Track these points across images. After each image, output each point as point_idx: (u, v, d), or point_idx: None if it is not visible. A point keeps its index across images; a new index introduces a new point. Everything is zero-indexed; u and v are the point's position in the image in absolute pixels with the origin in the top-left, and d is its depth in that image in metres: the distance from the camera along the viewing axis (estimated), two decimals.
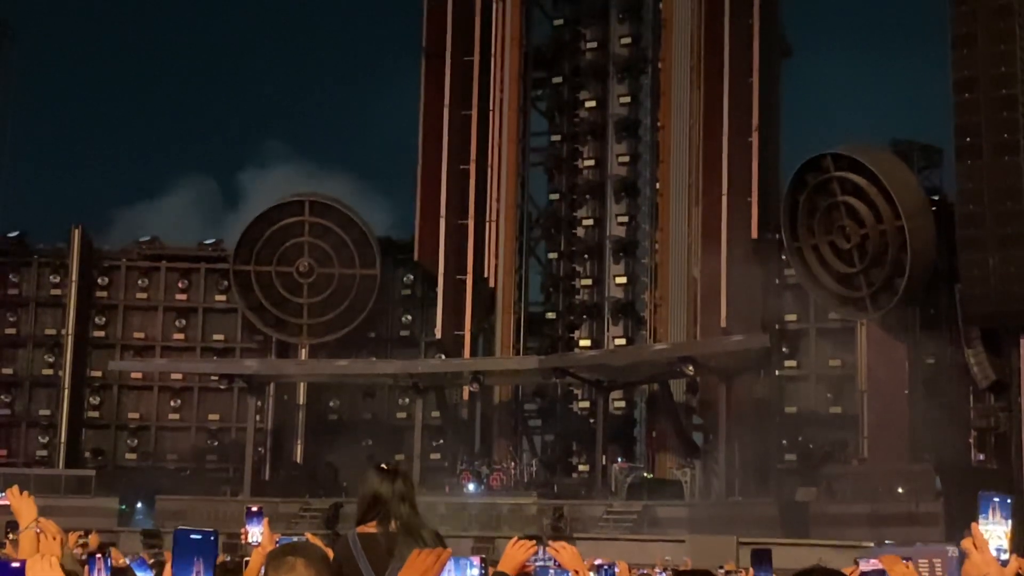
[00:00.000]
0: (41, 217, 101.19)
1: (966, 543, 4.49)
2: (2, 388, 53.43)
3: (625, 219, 50.69)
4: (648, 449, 48.23)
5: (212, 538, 5.75)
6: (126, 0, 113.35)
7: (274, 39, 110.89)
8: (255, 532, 6.28)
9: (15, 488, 6.02)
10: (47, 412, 52.99)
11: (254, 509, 6.35)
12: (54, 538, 5.78)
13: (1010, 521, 4.57)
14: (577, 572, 5.92)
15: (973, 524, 4.53)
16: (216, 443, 53.62)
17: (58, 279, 53.31)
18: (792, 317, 46.47)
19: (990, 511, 4.55)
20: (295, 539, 6.02)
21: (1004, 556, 4.50)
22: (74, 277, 52.92)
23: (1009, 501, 4.63)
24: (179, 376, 53.83)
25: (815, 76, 69.64)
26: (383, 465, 6.07)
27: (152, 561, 10.84)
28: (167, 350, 54.24)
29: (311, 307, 52.72)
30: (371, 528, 5.97)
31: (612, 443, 46.61)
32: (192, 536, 5.93)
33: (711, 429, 45.87)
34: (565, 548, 5.45)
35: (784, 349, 46.26)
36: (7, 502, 6.09)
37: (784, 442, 46.30)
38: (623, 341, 50.07)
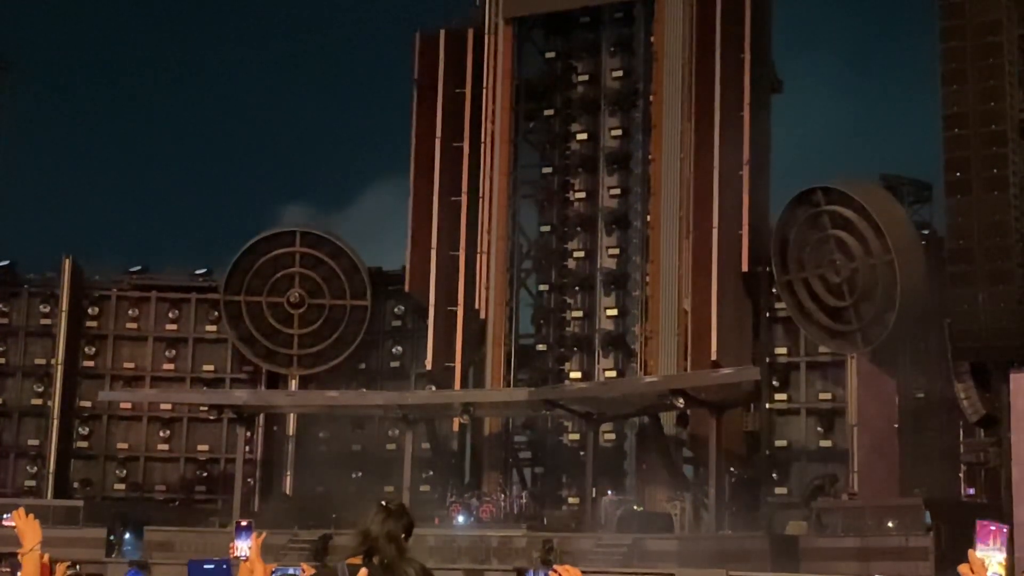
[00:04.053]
0: (31, 246, 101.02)
1: (963, 569, 4.51)
2: None
3: (616, 252, 50.74)
4: (638, 482, 48.14)
5: (225, 566, 5.81)
6: (117, 32, 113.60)
7: (266, 67, 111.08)
8: (243, 547, 6.29)
9: (21, 511, 6.06)
10: (36, 442, 52.85)
11: (244, 524, 6.38)
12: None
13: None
14: None
15: (970, 551, 4.55)
16: (205, 474, 53.48)
17: (48, 309, 53.26)
18: (782, 350, 46.54)
19: (990, 538, 4.58)
20: (291, 571, 6.08)
21: None
22: (64, 307, 52.88)
23: (1006, 530, 4.66)
24: (168, 406, 53.73)
25: (805, 110, 69.87)
26: (383, 503, 6.21)
27: None
28: (157, 380, 54.20)
29: (301, 338, 52.71)
30: (357, 561, 6.11)
31: (602, 476, 46.50)
32: (205, 566, 5.98)
33: (701, 462, 45.80)
34: (569, 571, 5.50)
35: (774, 382, 46.30)
36: (12, 524, 6.12)
37: (774, 475, 46.28)
38: (613, 374, 50.04)
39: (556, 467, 50.83)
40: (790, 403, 46.50)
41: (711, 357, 45.53)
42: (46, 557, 6.22)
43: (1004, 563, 4.59)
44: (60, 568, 7.04)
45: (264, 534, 6.45)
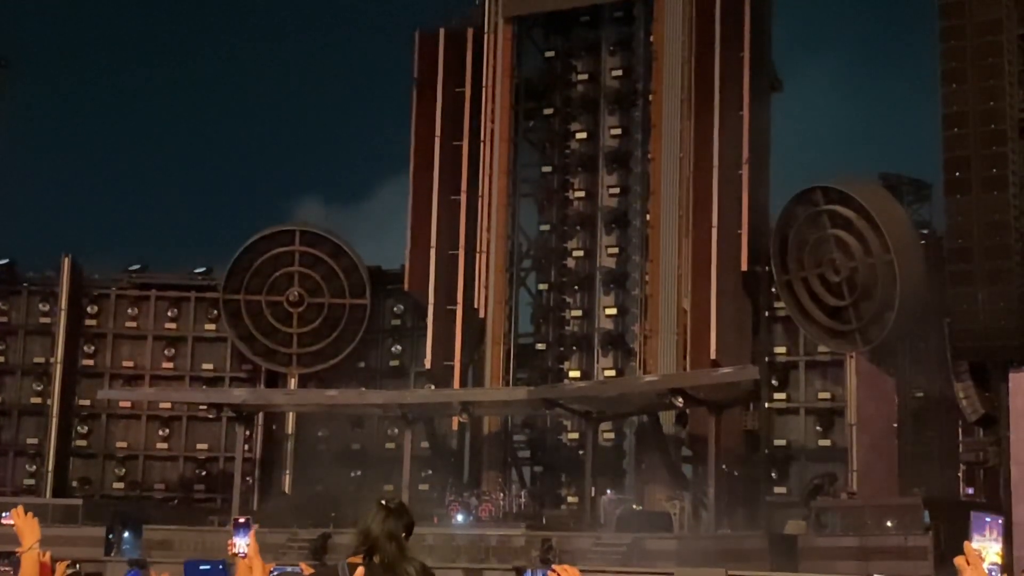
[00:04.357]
0: (31, 245, 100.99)
1: (959, 560, 4.51)
2: None
3: (615, 251, 50.73)
4: (637, 481, 48.14)
5: (221, 567, 5.82)
6: (116, 30, 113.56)
7: (265, 66, 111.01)
8: (241, 544, 6.29)
9: (20, 508, 6.06)
10: (35, 441, 52.83)
11: (241, 520, 6.38)
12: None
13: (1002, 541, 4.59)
14: None
15: (966, 542, 4.54)
16: (204, 473, 53.47)
17: (47, 307, 53.25)
18: (782, 350, 46.53)
19: (986, 529, 4.58)
20: (288, 570, 6.07)
21: (996, 574, 4.52)
22: (63, 305, 52.86)
23: (1001, 521, 4.66)
24: (167, 405, 53.73)
25: (805, 109, 69.86)
26: (384, 501, 6.20)
27: None
28: (156, 379, 54.17)
29: (300, 337, 52.69)
30: (358, 560, 6.11)
31: (601, 475, 46.51)
32: (202, 567, 6.01)
33: (700, 461, 45.80)
34: (567, 571, 5.49)
35: (773, 382, 46.29)
36: (11, 522, 6.12)
37: (773, 475, 46.28)
38: (613, 373, 50.02)
39: (555, 466, 50.84)
40: (789, 402, 46.49)
41: (710, 356, 45.51)
42: (47, 555, 6.22)
43: (1001, 553, 4.59)
44: (60, 567, 7.03)
45: (256, 526, 6.43)
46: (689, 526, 44.07)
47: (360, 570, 5.76)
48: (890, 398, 43.14)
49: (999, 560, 4.60)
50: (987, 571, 4.50)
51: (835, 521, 40.17)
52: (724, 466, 44.37)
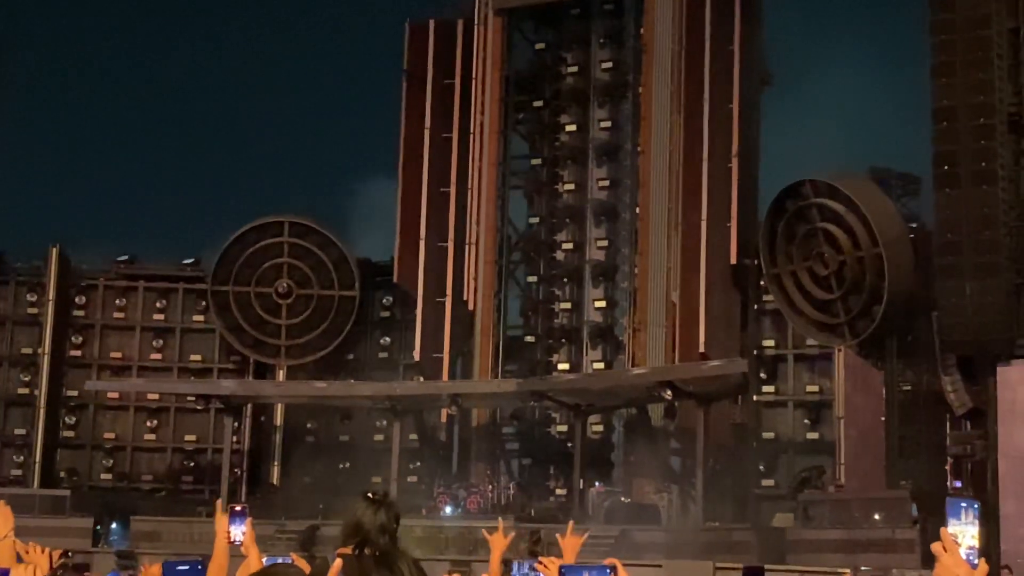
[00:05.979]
0: (19, 235, 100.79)
1: (935, 547, 4.50)
2: None
3: (604, 243, 50.74)
4: (626, 473, 48.18)
5: (199, 567, 5.77)
6: (105, 20, 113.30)
7: (256, 58, 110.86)
8: (237, 532, 6.26)
9: None
10: (22, 431, 52.73)
11: (238, 508, 6.33)
12: (42, 551, 5.82)
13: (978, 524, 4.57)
14: None
15: (942, 528, 4.53)
16: (192, 464, 53.41)
17: (35, 298, 53.12)
18: (770, 343, 46.60)
19: (962, 514, 4.56)
20: (279, 560, 6.04)
21: (975, 560, 4.51)
22: (51, 296, 52.73)
23: (976, 506, 4.65)
24: (156, 396, 53.61)
25: (794, 102, 69.93)
26: (370, 494, 6.15)
27: None
28: (144, 370, 54.07)
29: (289, 328, 52.65)
30: (348, 551, 6.06)
31: (590, 467, 46.54)
32: (179, 567, 5.96)
33: (688, 454, 45.85)
34: (554, 563, 5.49)
35: (762, 375, 46.35)
36: None
37: (761, 468, 46.37)
38: (601, 365, 50.05)
39: (544, 458, 50.83)
40: (777, 395, 46.56)
41: (699, 349, 45.55)
42: (46, 550, 6.22)
43: (978, 536, 4.57)
44: (54, 556, 7.02)
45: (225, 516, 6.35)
46: (677, 519, 44.13)
47: (338, 562, 5.74)
48: (878, 391, 43.22)
49: (976, 544, 4.57)
50: (964, 555, 4.49)
51: (823, 514, 40.26)
52: (712, 461, 44.46)
